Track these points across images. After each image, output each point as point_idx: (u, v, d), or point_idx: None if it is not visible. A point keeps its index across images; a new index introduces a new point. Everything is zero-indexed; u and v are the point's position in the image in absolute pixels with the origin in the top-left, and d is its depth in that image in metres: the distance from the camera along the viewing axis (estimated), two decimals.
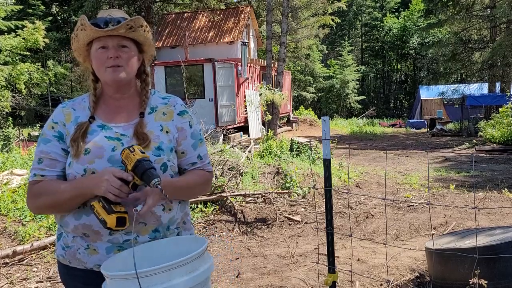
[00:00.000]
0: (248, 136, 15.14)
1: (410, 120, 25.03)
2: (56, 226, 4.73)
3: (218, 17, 18.85)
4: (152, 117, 1.57)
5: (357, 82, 32.30)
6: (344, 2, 25.11)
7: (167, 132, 1.55)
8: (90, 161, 1.45)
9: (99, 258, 1.47)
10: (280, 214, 5.55)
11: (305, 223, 5.46)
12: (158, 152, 1.50)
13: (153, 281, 1.18)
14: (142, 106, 1.57)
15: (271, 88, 14.10)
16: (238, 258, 4.38)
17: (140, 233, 1.47)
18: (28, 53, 13.10)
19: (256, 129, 15.69)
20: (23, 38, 12.58)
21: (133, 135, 1.51)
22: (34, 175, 1.51)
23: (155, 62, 15.04)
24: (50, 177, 1.50)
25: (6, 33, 12.73)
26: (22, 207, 5.13)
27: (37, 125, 12.98)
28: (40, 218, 4.95)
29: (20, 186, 5.79)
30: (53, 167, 1.50)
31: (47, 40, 13.54)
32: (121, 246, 1.47)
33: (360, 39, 40.47)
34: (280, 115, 17.69)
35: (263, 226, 5.32)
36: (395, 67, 39.57)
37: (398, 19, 37.39)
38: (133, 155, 1.34)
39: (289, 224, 5.43)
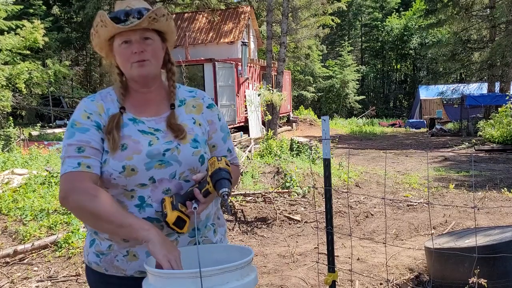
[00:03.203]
0: (248, 135, 15.16)
1: (410, 120, 25.05)
2: (56, 225, 4.71)
3: (219, 18, 18.87)
4: (183, 109, 1.52)
5: (357, 82, 32.33)
6: (344, 3, 25.13)
7: (199, 124, 1.52)
8: (128, 157, 1.38)
9: (139, 264, 1.41)
10: (280, 214, 5.56)
11: (305, 222, 5.48)
12: (195, 144, 1.46)
13: (212, 282, 1.14)
14: (172, 98, 1.51)
15: (270, 88, 14.13)
16: None
17: (188, 231, 1.41)
18: (28, 52, 13.10)
19: (256, 129, 15.71)
20: (23, 37, 12.58)
21: (167, 128, 1.46)
22: (79, 164, 1.34)
23: None
24: (97, 168, 1.37)
25: (6, 33, 12.73)
26: (23, 206, 5.15)
27: (37, 124, 12.99)
28: (41, 217, 4.96)
29: (21, 186, 5.81)
30: (97, 156, 1.37)
31: (46, 39, 13.54)
32: None
33: (360, 39, 40.50)
34: (280, 115, 17.71)
35: (263, 226, 5.33)
36: (395, 67, 39.59)
37: (398, 19, 37.42)
38: (218, 163, 1.34)
39: (289, 224, 5.44)
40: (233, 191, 5.77)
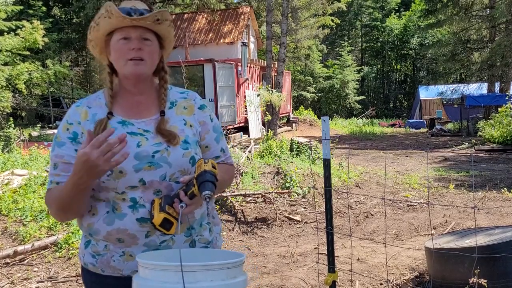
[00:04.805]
0: (248, 136, 15.16)
1: (410, 120, 25.05)
2: (57, 225, 4.72)
3: (218, 18, 18.87)
4: (173, 111, 1.52)
5: (357, 82, 32.33)
6: (344, 3, 25.14)
7: (190, 126, 1.51)
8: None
9: (136, 264, 1.38)
10: (280, 214, 5.57)
11: (305, 222, 5.48)
12: (185, 145, 1.46)
13: (196, 277, 1.16)
14: (162, 104, 1.50)
15: (270, 89, 14.12)
16: None
17: (176, 232, 1.44)
18: (28, 53, 13.09)
19: (256, 129, 15.70)
20: (22, 38, 12.57)
21: (156, 133, 1.45)
22: (51, 182, 1.45)
23: None
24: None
25: (6, 33, 12.72)
26: (23, 207, 5.15)
27: (37, 125, 12.98)
28: (41, 218, 4.96)
29: (21, 186, 5.80)
30: (67, 171, 1.40)
31: (46, 40, 13.52)
32: (157, 248, 1.43)
33: (360, 40, 40.50)
34: (280, 115, 17.70)
35: (263, 226, 5.33)
36: (395, 67, 39.59)
37: (399, 19, 37.43)
38: (204, 165, 1.34)
39: (289, 224, 5.44)
40: (233, 191, 5.78)
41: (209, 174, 1.31)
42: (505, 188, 6.83)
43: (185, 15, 20.27)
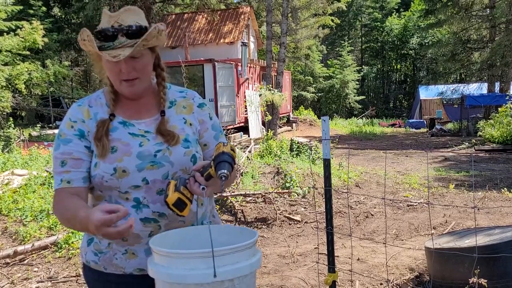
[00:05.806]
0: (248, 136, 15.16)
1: (410, 120, 25.05)
2: (57, 225, 4.72)
3: (218, 18, 18.87)
4: (173, 111, 1.52)
5: (357, 82, 32.34)
6: (344, 3, 25.14)
7: (190, 124, 1.52)
8: (118, 159, 1.39)
9: (138, 262, 1.43)
10: (280, 214, 5.57)
11: (305, 222, 5.48)
12: (186, 144, 1.47)
13: (224, 261, 1.16)
14: (162, 104, 1.51)
15: (271, 88, 14.12)
16: None
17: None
18: (28, 53, 13.10)
19: (256, 129, 15.70)
20: (22, 38, 12.57)
21: (156, 133, 1.45)
22: (61, 180, 1.41)
23: None
24: (77, 181, 1.41)
25: (6, 34, 12.72)
26: (23, 207, 5.15)
27: (37, 125, 12.98)
28: (41, 218, 4.97)
29: (21, 186, 5.80)
30: (78, 167, 1.41)
31: (46, 40, 13.52)
32: None
33: (360, 40, 40.50)
34: (280, 115, 17.71)
35: (263, 226, 5.34)
36: (395, 67, 39.59)
37: (399, 19, 37.43)
38: (223, 147, 1.34)
39: (289, 224, 5.44)
40: (233, 191, 5.78)
41: (227, 155, 1.32)
42: (505, 188, 6.83)
43: (185, 15, 20.26)
